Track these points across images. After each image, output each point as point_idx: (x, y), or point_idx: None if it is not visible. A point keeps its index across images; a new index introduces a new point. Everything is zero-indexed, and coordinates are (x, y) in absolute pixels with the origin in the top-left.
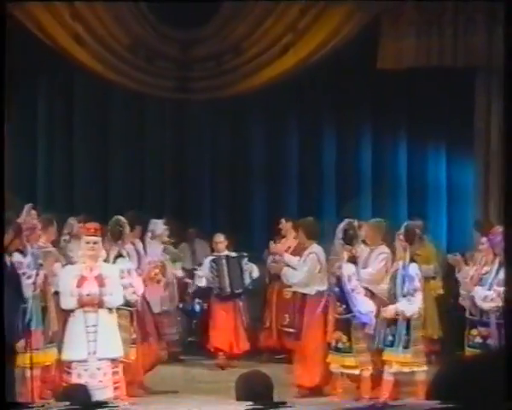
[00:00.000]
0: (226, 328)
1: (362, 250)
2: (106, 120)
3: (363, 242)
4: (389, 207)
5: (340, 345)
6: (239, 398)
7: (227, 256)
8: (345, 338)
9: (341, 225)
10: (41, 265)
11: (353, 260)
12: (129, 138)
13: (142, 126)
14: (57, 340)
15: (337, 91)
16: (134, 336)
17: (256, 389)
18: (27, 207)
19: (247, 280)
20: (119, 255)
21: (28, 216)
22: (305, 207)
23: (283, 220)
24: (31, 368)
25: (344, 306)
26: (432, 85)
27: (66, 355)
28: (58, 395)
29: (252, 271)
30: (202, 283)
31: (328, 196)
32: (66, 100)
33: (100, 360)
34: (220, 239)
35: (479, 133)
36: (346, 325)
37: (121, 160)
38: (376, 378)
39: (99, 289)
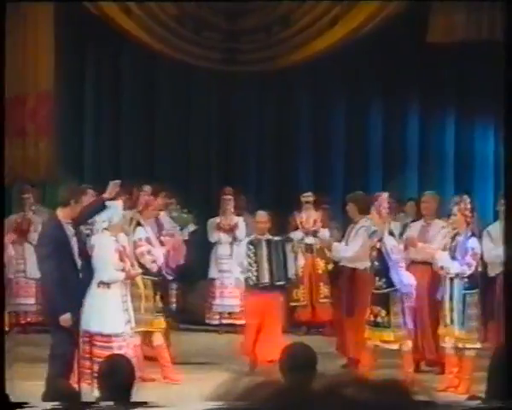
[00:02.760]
0: (260, 331)
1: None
2: (153, 91)
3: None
4: (436, 183)
5: (378, 319)
6: (282, 370)
7: (268, 240)
8: (383, 313)
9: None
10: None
11: (392, 232)
12: (175, 110)
13: (188, 98)
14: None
15: (385, 65)
16: (160, 305)
17: (299, 361)
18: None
19: (292, 270)
20: (138, 224)
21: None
22: (351, 182)
23: (310, 193)
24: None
25: (384, 279)
26: (482, 60)
27: (109, 329)
28: (101, 369)
29: (298, 259)
30: (236, 270)
31: (374, 171)
32: (114, 70)
33: (133, 330)
34: (263, 218)
35: None
36: (385, 299)
37: (167, 131)
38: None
39: (129, 260)
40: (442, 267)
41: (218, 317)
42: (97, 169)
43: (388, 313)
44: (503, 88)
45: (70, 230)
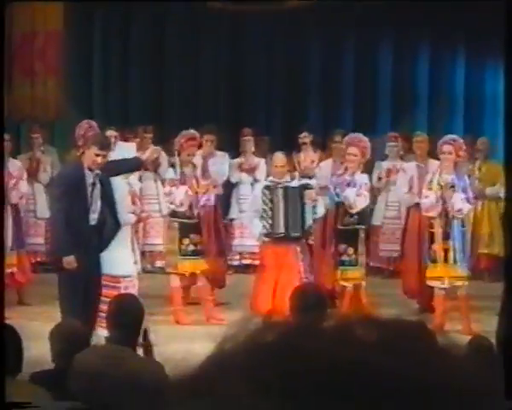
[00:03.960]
0: (276, 284)
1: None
2: (162, 33)
3: None
4: (445, 125)
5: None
6: (292, 309)
7: (285, 187)
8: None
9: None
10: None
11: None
12: (184, 52)
13: (197, 38)
14: None
15: (395, 6)
16: (188, 247)
17: (309, 300)
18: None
19: (309, 220)
20: (172, 165)
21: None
22: (361, 121)
23: (306, 133)
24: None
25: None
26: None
27: (117, 270)
28: (111, 308)
29: (316, 207)
30: (247, 217)
31: (383, 110)
32: (123, 12)
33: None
34: (281, 161)
35: None
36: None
37: (176, 73)
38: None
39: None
40: (454, 208)
41: (238, 257)
42: (106, 110)
43: (356, 251)
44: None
45: (90, 177)
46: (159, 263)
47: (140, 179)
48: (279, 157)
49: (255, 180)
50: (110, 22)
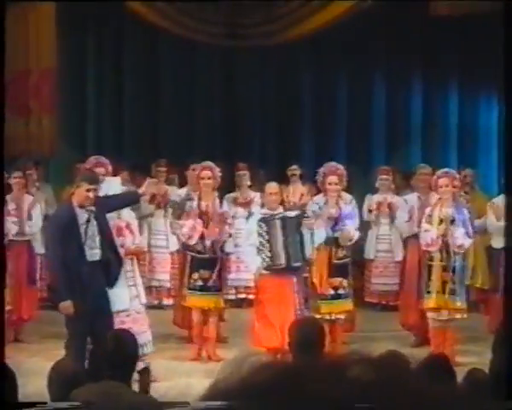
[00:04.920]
0: (276, 318)
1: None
2: (155, 66)
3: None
4: (439, 157)
5: (340, 291)
6: (291, 345)
7: (283, 217)
8: (345, 283)
9: None
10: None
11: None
12: (178, 85)
13: (191, 73)
14: None
15: (388, 38)
16: (196, 282)
17: (308, 336)
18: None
19: (309, 250)
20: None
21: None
22: (355, 155)
23: (295, 166)
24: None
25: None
26: (485, 32)
27: (116, 306)
28: (106, 346)
29: (315, 235)
30: (245, 252)
31: (377, 144)
32: (116, 46)
33: (142, 304)
34: (275, 189)
35: None
36: (346, 269)
37: (170, 106)
38: None
39: (131, 236)
40: (456, 243)
41: (233, 291)
42: (100, 146)
43: (349, 284)
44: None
45: (83, 215)
46: (165, 300)
47: (152, 216)
48: (272, 185)
49: (250, 214)
50: (103, 58)
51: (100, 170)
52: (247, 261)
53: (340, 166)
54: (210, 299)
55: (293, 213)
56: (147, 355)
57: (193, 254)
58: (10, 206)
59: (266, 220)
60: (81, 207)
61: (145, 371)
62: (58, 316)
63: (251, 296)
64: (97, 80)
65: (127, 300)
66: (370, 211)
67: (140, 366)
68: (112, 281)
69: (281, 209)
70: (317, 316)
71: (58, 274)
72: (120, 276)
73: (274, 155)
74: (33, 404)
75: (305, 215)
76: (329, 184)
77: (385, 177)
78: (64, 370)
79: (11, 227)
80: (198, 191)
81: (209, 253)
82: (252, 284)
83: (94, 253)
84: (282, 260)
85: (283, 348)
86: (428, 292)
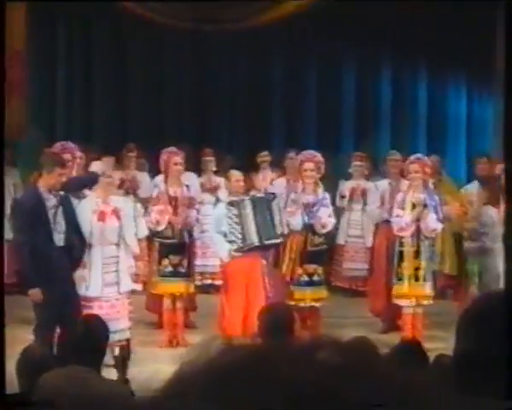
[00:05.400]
0: (244, 304)
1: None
2: (124, 50)
3: None
4: (408, 143)
5: (315, 278)
6: (261, 331)
7: (252, 197)
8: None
9: None
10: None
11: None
12: (147, 69)
13: (160, 58)
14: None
15: (357, 24)
16: (166, 268)
17: (279, 323)
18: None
19: (281, 228)
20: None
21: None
22: (324, 141)
23: (266, 153)
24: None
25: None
26: (454, 19)
27: (90, 292)
28: (75, 332)
29: (290, 222)
30: (213, 238)
31: (347, 130)
32: (85, 30)
33: (122, 292)
34: (239, 177)
35: (499, 73)
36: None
37: (139, 90)
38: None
39: (118, 222)
40: (428, 228)
41: (199, 277)
42: (68, 130)
43: (324, 271)
44: (477, 47)
45: (51, 200)
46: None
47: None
48: (235, 172)
49: (217, 200)
50: (72, 43)
51: (66, 156)
52: (215, 248)
53: (318, 154)
54: (180, 284)
55: (262, 194)
56: (123, 341)
57: (161, 240)
58: None
59: (236, 203)
60: (49, 191)
61: (122, 357)
62: (25, 301)
63: (217, 282)
64: (66, 65)
65: (99, 287)
66: (343, 197)
67: (116, 351)
68: (74, 265)
69: (244, 196)
70: (291, 303)
71: (26, 260)
72: (92, 261)
73: (244, 142)
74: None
75: (274, 196)
76: (305, 170)
77: (358, 163)
78: (32, 356)
79: None
80: (167, 177)
81: (178, 238)
82: (218, 269)
83: (61, 237)
84: (255, 239)
85: (249, 335)
86: (400, 279)
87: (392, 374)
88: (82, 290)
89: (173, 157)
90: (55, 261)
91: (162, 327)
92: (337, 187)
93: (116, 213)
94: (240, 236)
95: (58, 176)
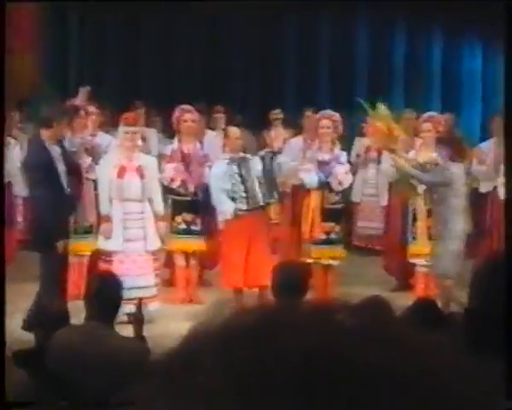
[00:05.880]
0: (244, 259)
1: None
2: (137, 7)
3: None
4: (422, 101)
5: (332, 236)
6: (275, 288)
7: (256, 156)
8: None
9: None
10: (77, 154)
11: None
12: (160, 23)
13: (173, 15)
14: (96, 230)
15: None
16: (179, 226)
17: (293, 279)
18: (84, 90)
19: (279, 187)
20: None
21: (84, 101)
22: (338, 99)
23: (278, 111)
24: (65, 257)
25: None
26: None
27: (110, 246)
28: (89, 288)
29: (306, 180)
30: (216, 198)
31: (360, 89)
32: None
33: (149, 249)
34: (238, 134)
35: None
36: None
37: (152, 46)
38: None
39: (140, 180)
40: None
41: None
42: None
43: (341, 229)
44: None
45: (56, 150)
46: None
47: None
48: (234, 129)
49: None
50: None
51: (81, 113)
52: (218, 207)
53: (336, 114)
54: (193, 242)
55: (263, 154)
56: (143, 298)
57: (175, 197)
58: None
59: (237, 161)
60: (54, 142)
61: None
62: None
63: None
64: (79, 23)
65: (119, 241)
66: (358, 155)
67: (131, 308)
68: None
69: (242, 154)
70: (308, 260)
71: (48, 215)
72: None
73: (256, 100)
74: (26, 404)
75: (275, 155)
76: (322, 128)
77: None
78: (47, 311)
79: None
80: (179, 134)
81: (191, 196)
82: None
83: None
84: (257, 199)
85: (255, 286)
86: (414, 238)
87: (407, 335)
88: (103, 244)
89: (185, 114)
90: (68, 211)
91: (175, 284)
92: (352, 146)
93: (140, 170)
94: (244, 194)
95: (58, 128)
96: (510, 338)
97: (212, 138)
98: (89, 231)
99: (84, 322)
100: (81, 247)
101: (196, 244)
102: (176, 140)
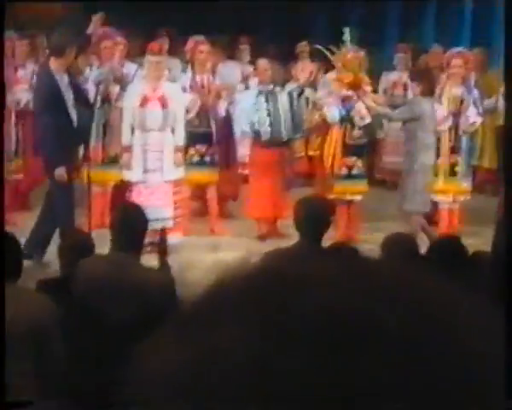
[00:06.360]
0: (268, 189)
1: None
2: None
3: None
4: (452, 36)
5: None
6: (298, 222)
7: (282, 90)
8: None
9: None
10: (103, 81)
11: None
12: None
13: None
14: (120, 160)
15: None
16: (190, 157)
17: (316, 214)
18: (97, 17)
19: (305, 123)
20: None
21: (98, 28)
22: (367, 33)
23: (305, 43)
24: (88, 187)
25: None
26: None
27: (131, 176)
28: (113, 217)
29: (328, 114)
30: (242, 126)
31: (391, 22)
32: None
33: (166, 179)
34: (267, 65)
35: None
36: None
37: None
38: None
39: (162, 110)
40: (468, 121)
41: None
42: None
43: (364, 164)
44: None
45: (64, 79)
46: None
47: None
48: (263, 62)
49: (246, 87)
50: None
51: (107, 42)
52: (242, 135)
53: (361, 49)
54: (206, 174)
55: (290, 88)
56: (163, 229)
57: (189, 128)
58: (19, 74)
59: (267, 94)
60: (63, 72)
61: (161, 244)
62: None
63: (245, 172)
64: None
65: (139, 171)
66: (385, 90)
67: (155, 238)
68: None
69: (271, 86)
70: (331, 196)
71: (50, 141)
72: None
73: (283, 32)
74: (24, 404)
75: (303, 90)
76: (349, 60)
77: (402, 55)
78: (73, 238)
79: (22, 96)
80: (193, 64)
81: (205, 127)
82: (246, 159)
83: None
84: (282, 133)
85: (273, 218)
86: (436, 175)
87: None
88: (124, 174)
89: (199, 45)
90: (74, 141)
91: (197, 215)
92: (379, 80)
93: (162, 100)
94: (268, 128)
95: (71, 57)
96: (511, 336)
97: (229, 69)
98: (115, 160)
99: (109, 252)
100: (106, 176)
101: (209, 176)
102: (189, 71)
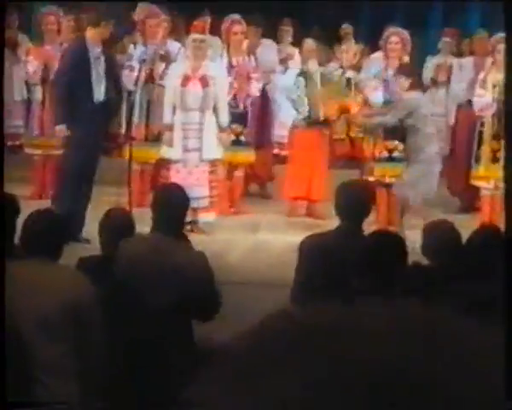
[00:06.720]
0: (306, 170)
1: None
2: None
3: None
4: (498, 20)
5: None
6: (338, 206)
7: (322, 71)
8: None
9: None
10: (148, 59)
11: None
12: None
13: None
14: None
15: None
16: (229, 137)
17: (357, 198)
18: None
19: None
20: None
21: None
22: (413, 16)
23: (348, 25)
24: (129, 163)
25: None
26: None
27: (170, 154)
28: (155, 197)
29: (372, 97)
30: (280, 105)
31: (436, 6)
32: None
33: (204, 159)
34: (312, 46)
35: None
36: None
37: None
38: None
39: (202, 89)
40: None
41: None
42: None
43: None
44: None
45: (96, 50)
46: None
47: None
48: (309, 41)
49: (286, 69)
50: None
51: (152, 21)
52: (282, 116)
53: (404, 31)
54: (241, 153)
55: (331, 69)
56: (199, 210)
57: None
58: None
59: (305, 75)
60: (96, 43)
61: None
62: (106, 162)
63: (283, 153)
64: None
65: (178, 151)
66: (430, 75)
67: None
68: (108, 120)
69: (317, 66)
70: (371, 179)
71: (57, 100)
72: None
73: (328, 13)
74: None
75: (344, 72)
76: (390, 44)
77: (447, 39)
78: (115, 218)
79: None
80: (227, 46)
81: (240, 108)
82: (285, 140)
83: (101, 91)
84: (319, 113)
85: (310, 198)
86: (477, 161)
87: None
88: (164, 152)
89: (234, 26)
90: (93, 113)
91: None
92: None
93: (203, 80)
94: (307, 108)
95: (107, 30)
96: (510, 338)
97: (268, 50)
98: (157, 139)
99: (150, 233)
100: (149, 154)
101: (244, 155)
102: (225, 52)
